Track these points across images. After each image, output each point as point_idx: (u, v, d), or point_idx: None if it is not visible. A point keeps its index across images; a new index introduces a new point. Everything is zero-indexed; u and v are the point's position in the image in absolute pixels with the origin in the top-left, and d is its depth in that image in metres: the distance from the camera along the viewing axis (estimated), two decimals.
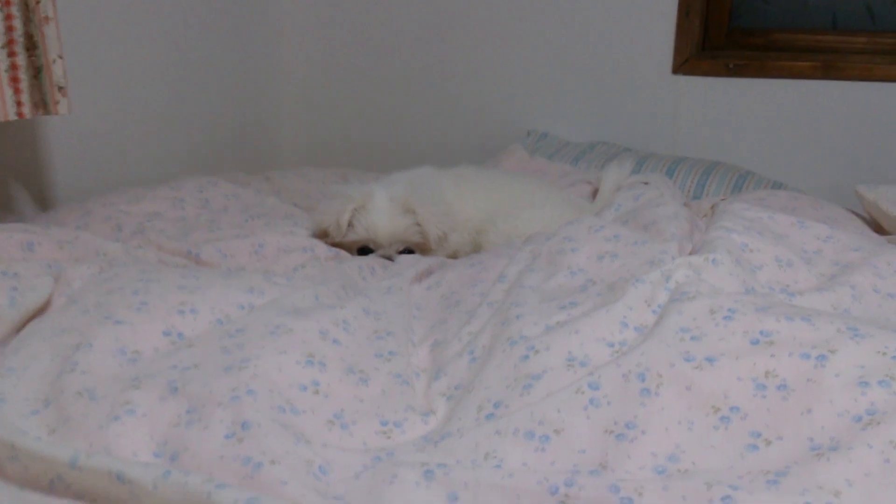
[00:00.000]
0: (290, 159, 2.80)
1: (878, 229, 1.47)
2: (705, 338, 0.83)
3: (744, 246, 1.12)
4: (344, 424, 0.82)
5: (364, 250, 1.57)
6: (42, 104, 1.70)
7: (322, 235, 1.58)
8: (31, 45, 1.66)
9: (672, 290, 0.96)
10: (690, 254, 1.18)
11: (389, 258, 1.53)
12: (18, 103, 1.64)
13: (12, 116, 1.63)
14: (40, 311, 1.08)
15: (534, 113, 2.51)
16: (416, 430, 0.84)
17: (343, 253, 1.58)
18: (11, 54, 1.62)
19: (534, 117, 2.51)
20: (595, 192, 1.81)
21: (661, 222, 1.24)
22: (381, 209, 1.55)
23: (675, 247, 1.15)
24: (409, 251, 1.57)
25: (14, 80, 1.63)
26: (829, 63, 2.14)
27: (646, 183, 1.57)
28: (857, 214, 1.57)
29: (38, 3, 1.63)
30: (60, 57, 1.69)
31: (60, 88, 1.70)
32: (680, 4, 2.25)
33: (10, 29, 1.62)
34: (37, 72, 1.68)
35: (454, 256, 1.66)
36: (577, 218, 1.36)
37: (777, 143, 2.23)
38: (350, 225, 1.55)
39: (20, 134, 1.89)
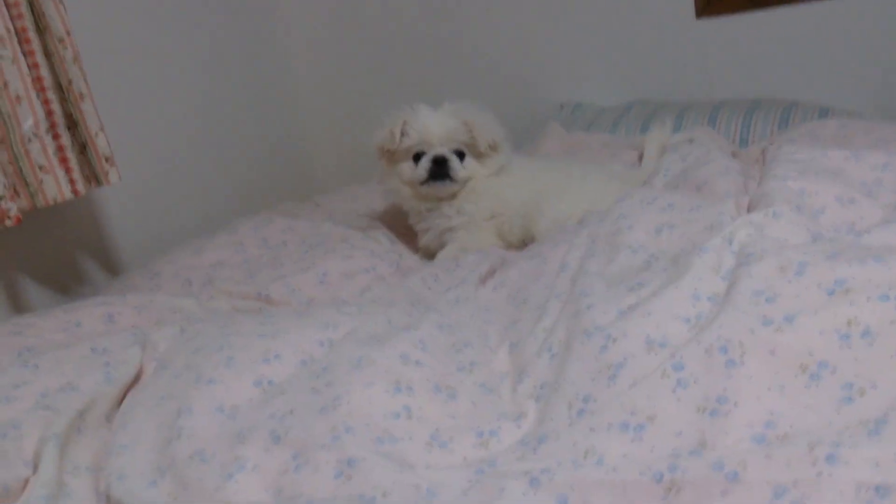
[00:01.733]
0: (330, 172, 2.86)
1: None
2: (780, 298, 0.82)
3: (801, 191, 1.10)
4: (442, 443, 0.84)
5: (418, 157, 1.69)
6: (93, 177, 1.77)
7: (381, 154, 1.75)
8: (72, 124, 1.73)
9: (737, 252, 0.95)
10: (748, 209, 1.17)
11: (444, 159, 1.66)
12: (71, 181, 1.71)
13: (68, 195, 1.70)
14: (135, 381, 1.13)
15: (563, 84, 2.49)
16: (512, 436, 0.85)
17: (404, 264, 1.61)
18: (56, 137, 1.69)
19: (564, 88, 2.49)
20: (641, 157, 1.80)
21: (713, 181, 1.23)
22: (430, 114, 1.70)
23: (732, 205, 1.14)
24: (461, 154, 1.69)
25: (63, 160, 1.70)
26: None
27: (690, 140, 1.56)
28: None
29: (70, 83, 1.70)
30: (102, 130, 1.75)
31: (107, 159, 1.76)
32: None
33: (49, 113, 1.68)
34: (82, 148, 1.75)
35: (504, 241, 1.69)
36: (627, 192, 1.35)
37: (816, 68, 2.17)
38: (403, 134, 1.68)
39: (79, 210, 1.96)
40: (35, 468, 0.89)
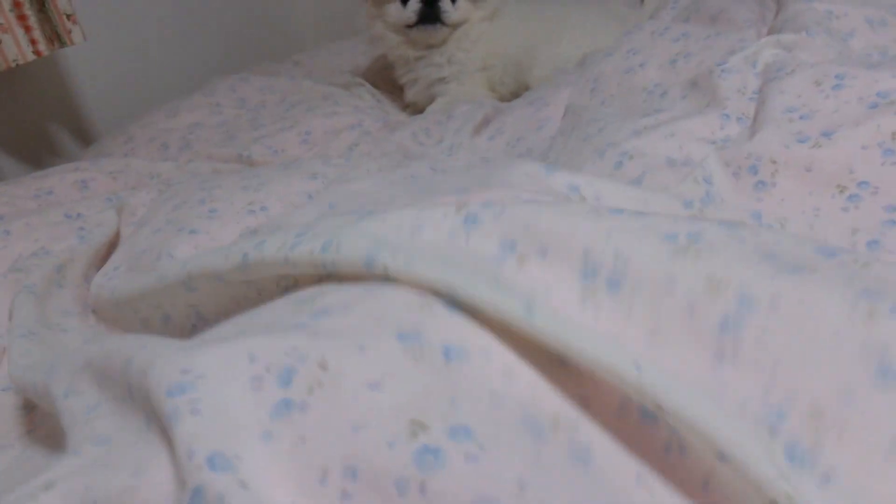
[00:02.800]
0: (309, 28, 2.70)
1: None
2: (817, 114, 0.74)
3: (828, 13, 1.00)
4: None
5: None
6: (56, 37, 1.64)
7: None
8: None
9: (761, 73, 0.87)
10: (770, 35, 1.07)
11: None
12: (32, 41, 1.58)
13: (30, 56, 1.58)
14: (112, 245, 1.06)
15: None
16: None
17: (392, 119, 1.52)
18: None
19: None
20: None
21: (730, 8, 1.13)
22: None
23: (754, 33, 1.05)
24: None
25: (21, 17, 1.57)
26: None
27: None
28: None
29: None
30: None
31: (69, 16, 1.63)
32: None
33: None
34: (41, 5, 1.61)
35: (496, 93, 1.60)
36: (635, 26, 1.25)
37: None
38: None
39: (44, 75, 1.84)
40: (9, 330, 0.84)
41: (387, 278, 0.46)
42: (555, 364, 0.41)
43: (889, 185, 0.68)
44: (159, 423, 0.40)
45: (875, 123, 0.70)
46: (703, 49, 1.04)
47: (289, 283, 0.57)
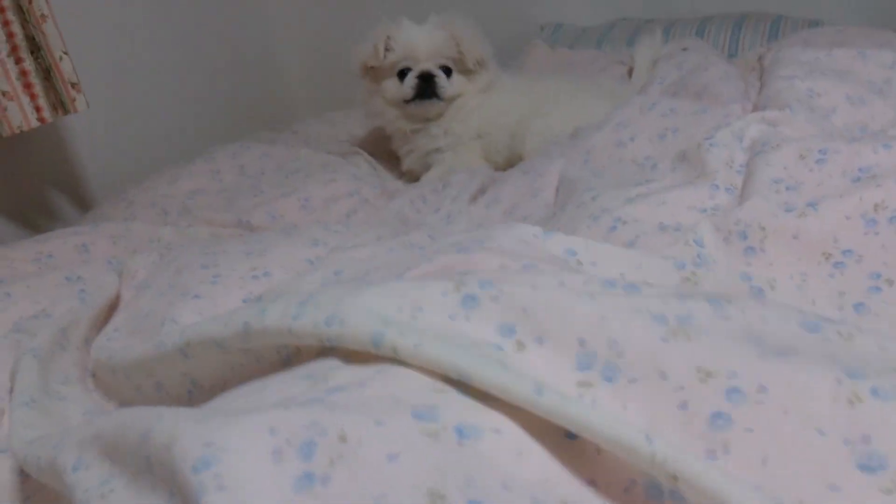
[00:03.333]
0: (307, 105, 2.76)
1: None
2: (802, 186, 0.78)
3: (810, 92, 1.05)
4: None
5: (403, 74, 1.61)
6: (60, 105, 1.68)
7: (364, 72, 1.66)
8: (35, 48, 1.63)
9: (748, 147, 0.91)
10: (754, 111, 1.12)
11: (431, 76, 1.58)
12: (37, 108, 1.62)
13: (34, 123, 1.61)
14: (112, 307, 1.07)
15: (542, 4, 2.41)
16: None
17: (389, 187, 1.55)
18: (19, 60, 1.60)
19: (544, 9, 2.41)
20: (630, 72, 1.74)
21: (714, 85, 1.18)
22: (416, 27, 1.61)
23: (738, 108, 1.09)
24: (447, 71, 1.61)
25: (27, 86, 1.61)
26: None
27: (684, 49, 1.50)
28: None
29: (31, 2, 1.59)
30: (66, 53, 1.65)
31: (73, 85, 1.67)
32: None
33: (10, 35, 1.59)
34: (47, 73, 1.65)
35: (490, 161, 1.64)
36: (624, 101, 1.30)
37: None
38: (387, 49, 1.59)
39: (46, 140, 1.87)
40: (10, 391, 0.84)
41: (396, 360, 0.48)
42: (564, 446, 0.43)
43: (872, 254, 0.71)
44: (185, 500, 0.41)
45: (858, 196, 0.73)
46: (691, 124, 1.09)
47: (290, 351, 0.58)
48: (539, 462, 0.43)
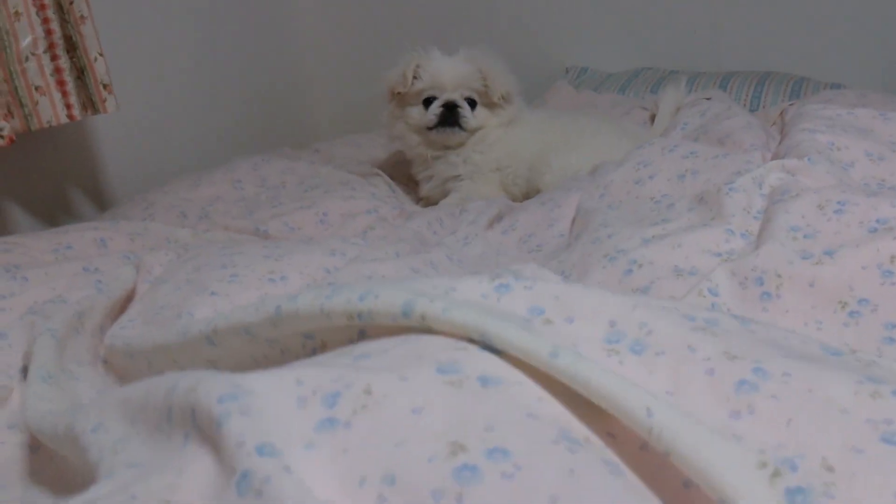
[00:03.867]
0: (329, 128, 2.80)
1: None
2: (819, 235, 0.79)
3: (830, 145, 1.07)
4: None
5: (428, 102, 1.65)
6: (90, 104, 1.71)
7: (391, 97, 1.71)
8: (71, 47, 1.67)
9: (767, 195, 0.92)
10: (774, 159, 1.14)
11: (455, 105, 1.62)
12: (68, 105, 1.65)
13: (64, 120, 1.64)
14: (128, 299, 1.08)
15: (569, 48, 2.45)
16: None
17: (407, 209, 1.57)
18: (54, 58, 1.62)
19: (570, 52, 2.45)
20: (652, 118, 1.76)
21: (737, 133, 1.20)
22: (445, 58, 1.66)
23: (759, 156, 1.11)
24: (472, 103, 1.64)
25: (60, 83, 1.64)
26: None
27: (708, 98, 1.52)
28: None
29: (71, 3, 1.63)
30: (101, 55, 1.69)
31: (105, 86, 1.70)
32: None
33: (49, 32, 1.62)
34: (80, 73, 1.69)
35: (508, 193, 1.66)
36: (647, 141, 1.32)
37: (829, 44, 2.14)
38: (415, 77, 1.63)
39: (71, 138, 1.90)
40: (25, 372, 0.85)
41: (423, 328, 0.49)
42: (582, 404, 0.44)
43: (888, 304, 0.72)
44: (203, 432, 0.42)
45: (875, 246, 0.74)
46: (711, 168, 1.10)
47: (316, 345, 0.59)
48: (561, 408, 0.44)
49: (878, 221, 0.78)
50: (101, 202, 1.96)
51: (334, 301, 0.53)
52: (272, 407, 0.42)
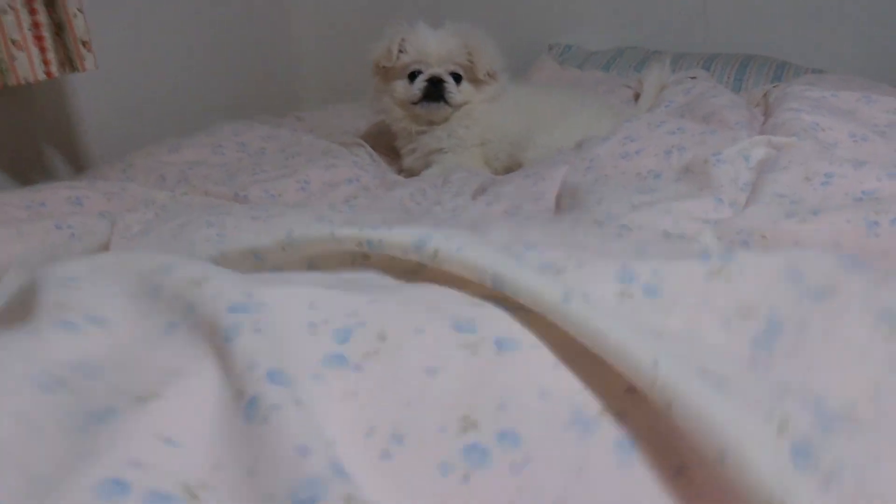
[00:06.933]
0: (314, 96, 2.78)
1: None
2: (804, 202, 0.80)
3: (814, 125, 1.08)
4: None
5: (414, 76, 1.63)
6: (68, 61, 1.67)
7: (376, 71, 1.69)
8: (50, 2, 1.63)
9: (754, 168, 0.93)
10: None
11: (440, 80, 1.61)
12: (45, 62, 1.61)
13: (41, 76, 1.60)
14: (104, 249, 1.06)
15: (553, 25, 2.45)
16: None
17: (390, 178, 1.57)
18: (32, 12, 1.59)
19: (554, 29, 2.45)
20: (636, 96, 1.77)
21: (722, 111, 1.21)
22: (431, 32, 1.64)
23: (745, 134, 1.12)
24: (457, 78, 1.63)
25: (38, 38, 1.60)
26: None
27: (693, 77, 1.53)
28: None
29: None
30: (80, 10, 1.65)
31: (84, 43, 1.67)
32: None
33: None
34: (58, 29, 1.65)
35: (489, 167, 1.66)
36: (633, 116, 1.32)
37: (812, 30, 2.16)
38: (400, 50, 1.62)
39: (48, 96, 1.86)
40: None
41: (433, 268, 0.48)
42: (598, 361, 0.43)
43: (874, 258, 0.72)
44: (202, 334, 0.41)
45: (861, 208, 0.75)
46: (698, 144, 1.11)
47: None
48: (577, 372, 0.43)
49: (864, 193, 0.80)
50: (78, 163, 1.93)
51: (345, 230, 0.52)
52: (284, 327, 0.41)
